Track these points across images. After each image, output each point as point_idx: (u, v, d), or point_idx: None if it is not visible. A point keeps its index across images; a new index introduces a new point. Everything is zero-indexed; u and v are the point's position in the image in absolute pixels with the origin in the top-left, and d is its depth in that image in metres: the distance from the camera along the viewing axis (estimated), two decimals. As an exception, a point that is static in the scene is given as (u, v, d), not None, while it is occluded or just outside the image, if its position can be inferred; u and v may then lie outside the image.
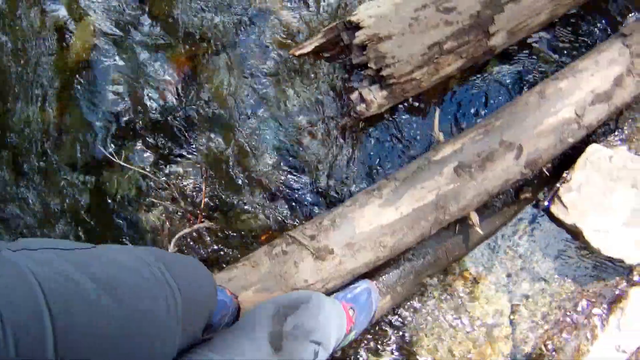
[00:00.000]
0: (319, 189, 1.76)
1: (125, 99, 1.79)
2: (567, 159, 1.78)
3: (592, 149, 1.75)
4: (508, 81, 1.85)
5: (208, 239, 1.72)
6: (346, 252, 1.54)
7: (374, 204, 1.58)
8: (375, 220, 1.56)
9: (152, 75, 1.80)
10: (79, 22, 1.84)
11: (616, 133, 1.86)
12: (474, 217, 1.63)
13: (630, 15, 1.94)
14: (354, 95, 1.68)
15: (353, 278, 1.60)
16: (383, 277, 1.68)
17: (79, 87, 1.80)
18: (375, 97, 1.64)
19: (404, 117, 1.79)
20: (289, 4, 1.83)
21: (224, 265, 1.64)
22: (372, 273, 1.66)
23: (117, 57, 1.81)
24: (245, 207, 1.75)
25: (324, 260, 1.53)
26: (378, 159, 1.78)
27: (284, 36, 1.81)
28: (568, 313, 1.79)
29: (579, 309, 1.79)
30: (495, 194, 1.64)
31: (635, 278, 1.83)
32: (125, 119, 1.78)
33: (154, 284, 0.82)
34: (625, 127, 1.86)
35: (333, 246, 1.54)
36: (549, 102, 1.66)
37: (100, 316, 0.69)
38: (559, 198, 1.74)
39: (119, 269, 0.79)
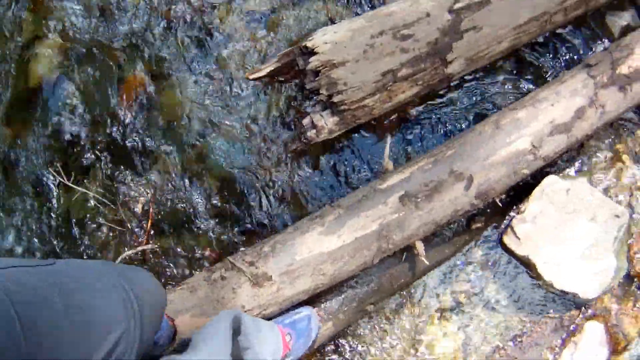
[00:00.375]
0: (267, 213, 1.75)
1: (80, 121, 1.80)
2: (525, 188, 1.74)
3: (549, 180, 1.71)
4: (467, 108, 1.81)
5: (153, 260, 1.73)
6: (285, 279, 1.54)
7: (316, 231, 1.56)
8: (315, 247, 1.55)
9: (108, 98, 1.80)
10: (41, 43, 1.84)
11: (577, 164, 1.81)
12: (420, 247, 1.61)
13: (598, 44, 1.88)
14: (306, 120, 1.66)
15: (292, 305, 1.59)
16: (325, 304, 1.68)
17: (36, 108, 1.81)
18: (326, 123, 1.62)
19: (356, 143, 1.76)
20: (248, 26, 1.81)
21: (166, 287, 1.65)
22: (314, 300, 1.66)
23: (76, 79, 1.81)
24: (192, 229, 1.75)
25: (262, 286, 1.53)
26: (327, 185, 1.77)
27: (242, 59, 1.79)
28: (520, 346, 1.76)
29: (532, 341, 1.77)
30: (443, 224, 1.61)
31: (590, 312, 1.80)
32: (79, 140, 1.78)
33: (115, 295, 0.87)
34: (587, 159, 1.82)
35: (272, 273, 1.54)
36: (504, 132, 1.62)
37: (68, 326, 0.74)
38: (512, 229, 1.71)
39: (82, 283, 0.84)
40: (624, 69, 1.71)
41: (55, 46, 1.83)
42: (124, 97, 1.79)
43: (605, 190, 1.82)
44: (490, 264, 1.78)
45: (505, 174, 1.61)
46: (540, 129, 1.63)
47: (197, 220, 1.75)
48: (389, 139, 1.67)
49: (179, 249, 1.74)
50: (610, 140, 1.85)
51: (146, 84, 1.79)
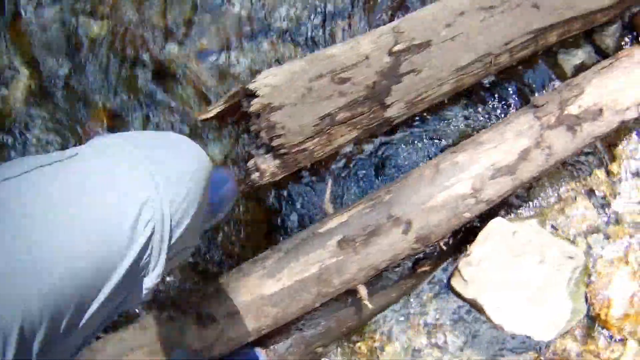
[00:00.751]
0: (212, 255, 1.78)
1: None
2: (474, 229, 1.73)
3: (495, 223, 1.70)
4: (413, 149, 1.81)
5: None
6: (228, 320, 1.58)
7: (257, 274, 1.60)
8: (256, 290, 1.58)
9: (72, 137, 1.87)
10: (12, 79, 1.91)
11: (529, 205, 1.79)
12: (362, 291, 1.62)
13: (550, 83, 1.86)
14: (250, 163, 1.69)
15: (238, 346, 1.62)
16: (274, 346, 1.70)
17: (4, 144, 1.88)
18: (268, 166, 1.65)
19: (299, 185, 1.78)
20: (201, 65, 1.86)
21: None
22: (263, 341, 1.68)
23: (42, 117, 1.87)
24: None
25: (207, 327, 1.57)
26: (271, 227, 1.79)
27: (195, 99, 1.84)
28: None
29: (487, 383, 1.75)
30: (382, 268, 1.62)
31: (549, 354, 1.77)
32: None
33: (140, 211, 0.73)
34: (539, 199, 1.79)
35: (216, 314, 1.58)
36: (444, 176, 1.62)
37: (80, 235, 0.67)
38: (459, 272, 1.70)
39: (101, 180, 0.73)
40: (573, 110, 1.68)
41: (25, 84, 1.89)
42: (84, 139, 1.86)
43: (560, 231, 1.79)
44: (440, 306, 1.77)
45: (445, 218, 1.60)
46: (481, 172, 1.62)
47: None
48: (330, 182, 1.69)
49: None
50: (564, 180, 1.82)
51: (104, 127, 1.85)
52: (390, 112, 1.64)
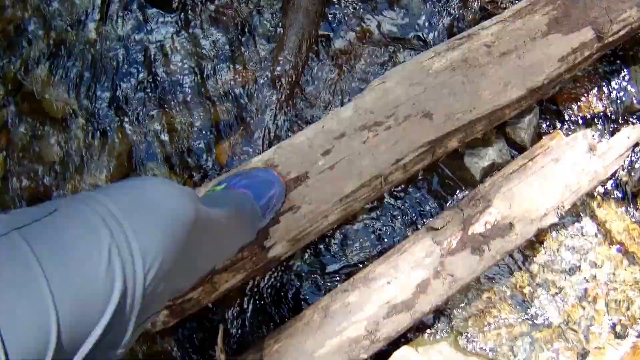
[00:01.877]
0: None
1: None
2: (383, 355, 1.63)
3: (399, 354, 1.59)
4: (306, 282, 1.68)
5: None
6: None
7: None
8: None
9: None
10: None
11: (440, 323, 1.66)
12: None
13: (459, 190, 1.66)
14: (138, 310, 1.62)
15: None
16: None
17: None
18: (158, 316, 1.58)
19: (192, 330, 1.70)
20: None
21: None
22: None
23: None
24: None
25: None
26: None
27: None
28: None
29: None
30: (278, 416, 1.55)
31: None
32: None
33: (113, 274, 0.68)
34: (449, 317, 1.66)
35: None
36: (334, 320, 1.51)
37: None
38: (368, 402, 1.62)
39: (80, 260, 0.66)
40: (478, 228, 1.52)
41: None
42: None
43: (478, 344, 1.66)
44: None
45: (339, 362, 1.51)
46: (374, 312, 1.50)
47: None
48: (221, 330, 1.60)
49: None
50: (480, 289, 1.67)
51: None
52: (274, 252, 1.52)
